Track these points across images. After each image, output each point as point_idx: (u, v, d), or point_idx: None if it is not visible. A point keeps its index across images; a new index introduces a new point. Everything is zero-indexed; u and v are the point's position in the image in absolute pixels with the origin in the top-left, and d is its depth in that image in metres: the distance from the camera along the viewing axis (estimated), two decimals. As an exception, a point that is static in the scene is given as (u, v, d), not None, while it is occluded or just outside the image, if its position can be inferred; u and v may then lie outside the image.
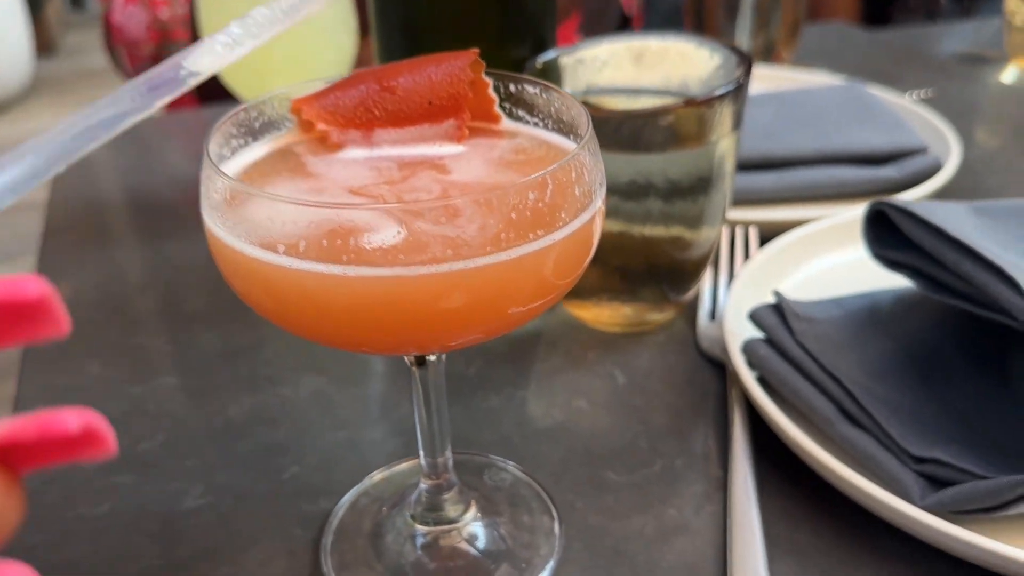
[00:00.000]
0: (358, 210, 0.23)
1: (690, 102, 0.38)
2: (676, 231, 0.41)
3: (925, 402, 0.33)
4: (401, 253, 0.22)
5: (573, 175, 0.25)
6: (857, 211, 0.45)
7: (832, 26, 0.95)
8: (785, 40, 0.72)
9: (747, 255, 0.47)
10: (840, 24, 0.99)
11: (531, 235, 0.23)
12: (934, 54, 0.80)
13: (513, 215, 0.23)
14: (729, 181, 0.42)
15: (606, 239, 0.39)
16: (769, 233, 0.48)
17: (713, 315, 0.44)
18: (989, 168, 0.58)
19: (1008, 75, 0.75)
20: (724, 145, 0.41)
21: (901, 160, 0.53)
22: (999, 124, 0.65)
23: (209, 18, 0.56)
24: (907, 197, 0.49)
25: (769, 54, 0.73)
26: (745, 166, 0.54)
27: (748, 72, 0.41)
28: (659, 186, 0.39)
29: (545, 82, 0.31)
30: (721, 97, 0.39)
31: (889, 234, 0.37)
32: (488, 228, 0.23)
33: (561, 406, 0.39)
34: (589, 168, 0.26)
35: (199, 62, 0.24)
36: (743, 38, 0.70)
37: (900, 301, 0.38)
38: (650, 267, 0.42)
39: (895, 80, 0.71)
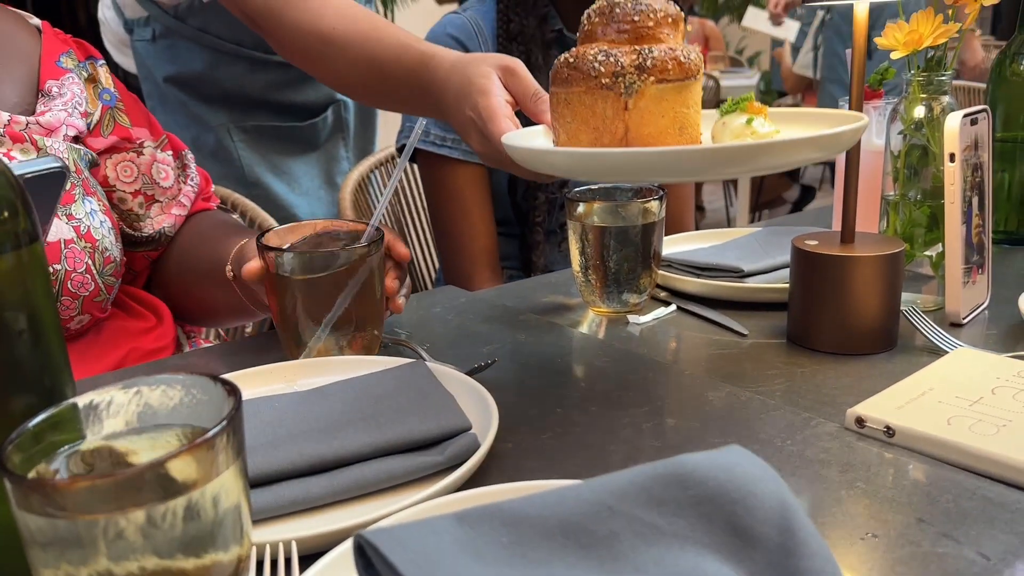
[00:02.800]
0: None
1: (186, 448, 0.39)
2: (180, 564, 0.40)
3: None
4: None
5: None
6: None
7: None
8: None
9: None
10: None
11: None
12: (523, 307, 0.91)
13: None
14: (240, 508, 0.42)
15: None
16: (320, 543, 0.48)
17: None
18: (522, 448, 0.64)
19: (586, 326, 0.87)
20: (224, 479, 0.41)
21: (445, 443, 0.58)
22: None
23: None
24: (450, 479, 0.53)
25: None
26: (299, 473, 0.55)
27: (239, 404, 0.42)
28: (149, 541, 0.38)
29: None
30: (216, 436, 0.40)
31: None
32: None
33: None
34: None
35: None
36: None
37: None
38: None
39: (480, 339, 0.79)
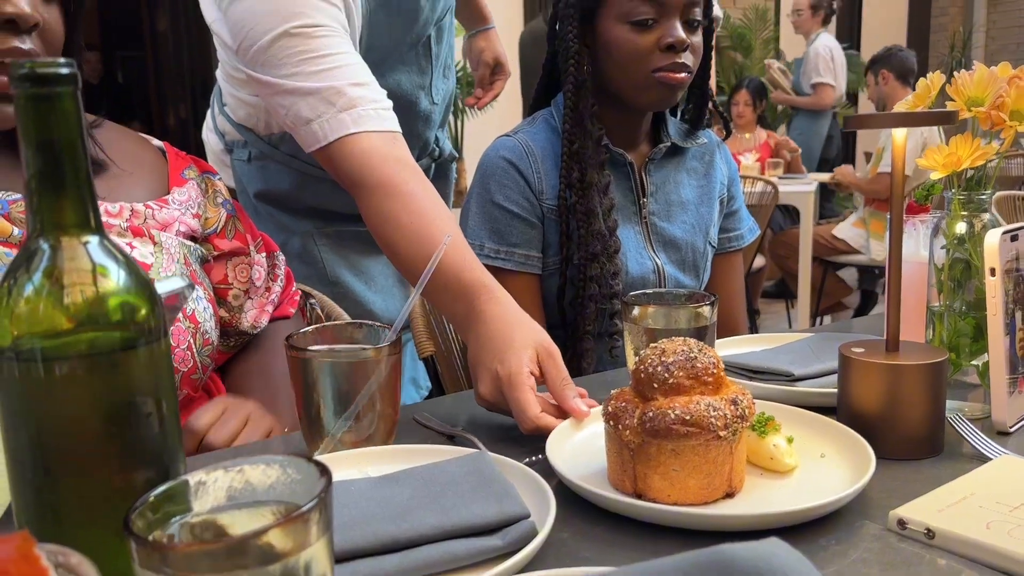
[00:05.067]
0: None
1: (283, 521, 0.45)
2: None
3: None
4: None
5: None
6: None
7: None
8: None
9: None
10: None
11: None
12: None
13: None
14: (326, 574, 0.48)
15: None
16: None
17: None
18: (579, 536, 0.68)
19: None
20: (314, 550, 0.47)
21: (506, 529, 0.62)
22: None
23: None
24: (509, 563, 0.57)
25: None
26: (374, 552, 0.60)
27: (330, 483, 0.48)
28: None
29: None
30: (311, 511, 0.46)
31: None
32: None
33: None
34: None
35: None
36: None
37: None
38: None
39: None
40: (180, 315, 0.92)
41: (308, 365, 0.79)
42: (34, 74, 0.45)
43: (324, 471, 0.49)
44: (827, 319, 4.31)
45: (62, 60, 0.45)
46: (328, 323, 0.90)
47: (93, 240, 0.48)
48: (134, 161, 0.98)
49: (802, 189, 3.89)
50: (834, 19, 7.79)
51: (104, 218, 0.90)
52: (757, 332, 4.09)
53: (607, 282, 1.25)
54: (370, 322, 0.86)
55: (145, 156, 1.01)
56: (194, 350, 0.94)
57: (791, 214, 4.37)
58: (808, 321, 3.94)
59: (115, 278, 0.48)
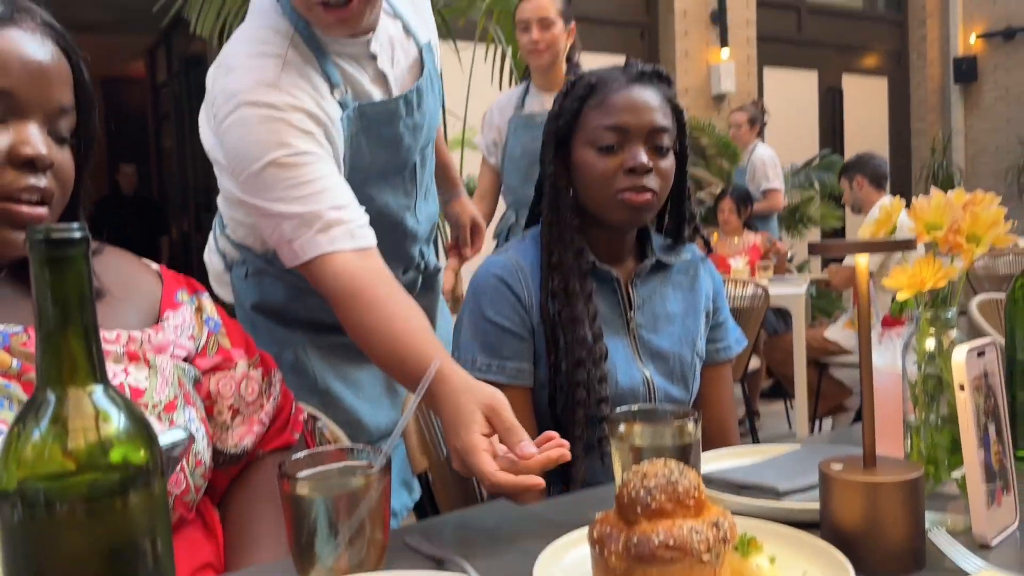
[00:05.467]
0: None
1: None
2: None
3: None
4: None
5: None
6: None
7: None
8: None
9: None
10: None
11: None
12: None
13: None
14: None
15: None
16: None
17: None
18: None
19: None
20: None
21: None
22: None
23: None
24: None
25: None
26: None
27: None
28: None
29: None
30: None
31: None
32: None
33: None
34: None
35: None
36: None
37: None
38: None
39: (530, 554, 0.85)
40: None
41: (298, 493, 0.81)
42: (50, 239, 0.49)
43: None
44: (827, 421, 4.30)
45: (75, 225, 0.50)
46: (319, 448, 0.92)
47: (97, 389, 0.51)
48: (129, 287, 1.02)
49: (793, 292, 3.95)
50: (817, 125, 8.08)
51: (103, 345, 0.94)
52: (757, 433, 4.09)
53: (594, 387, 1.28)
54: (360, 445, 0.89)
55: (142, 281, 1.05)
56: (187, 471, 0.95)
57: (784, 316, 4.42)
58: (807, 424, 3.93)
59: (116, 423, 0.51)
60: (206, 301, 1.11)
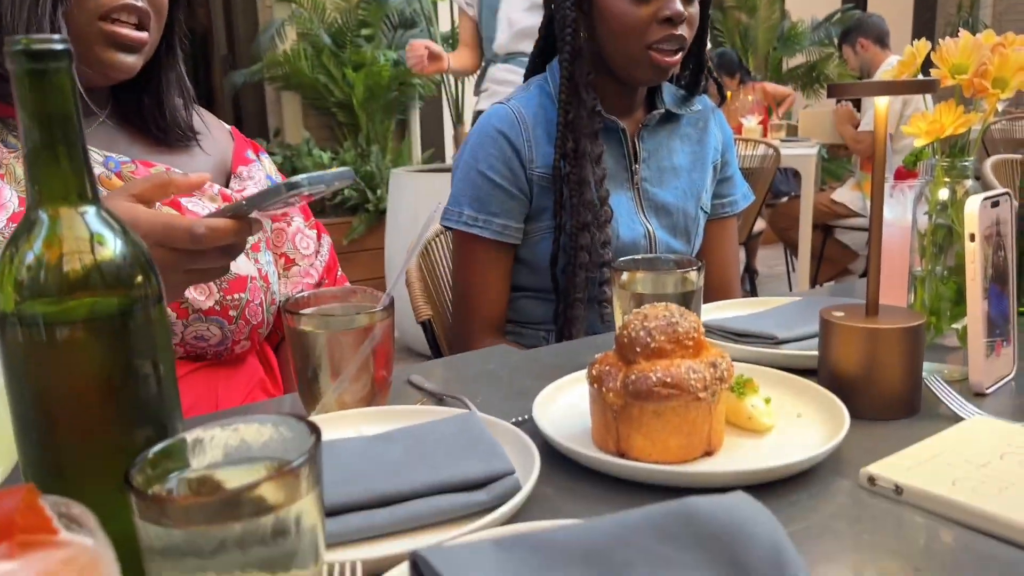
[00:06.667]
0: None
1: (274, 475, 0.47)
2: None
3: None
4: None
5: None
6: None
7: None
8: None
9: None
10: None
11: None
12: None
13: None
14: (316, 529, 0.50)
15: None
16: (381, 566, 0.56)
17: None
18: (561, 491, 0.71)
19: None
20: (305, 503, 0.49)
21: (491, 484, 0.65)
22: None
23: None
24: (493, 516, 0.60)
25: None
26: (366, 506, 0.63)
27: (319, 440, 0.51)
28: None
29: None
30: (300, 466, 0.48)
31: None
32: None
33: None
34: None
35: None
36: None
37: None
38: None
39: (529, 394, 0.87)
40: (257, 274, 1.04)
41: (304, 330, 0.82)
42: (29, 50, 0.46)
43: (314, 429, 0.52)
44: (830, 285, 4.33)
45: (56, 37, 0.47)
46: (324, 288, 0.93)
47: (90, 210, 0.50)
48: (213, 142, 1.12)
49: (804, 152, 3.88)
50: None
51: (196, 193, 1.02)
52: (756, 293, 4.12)
53: (597, 251, 1.27)
54: (364, 288, 0.89)
55: (220, 138, 1.14)
56: (264, 306, 1.05)
57: (792, 179, 4.37)
58: (808, 285, 3.95)
59: (112, 246, 0.50)
60: (266, 161, 1.20)
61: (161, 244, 0.73)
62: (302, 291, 1.17)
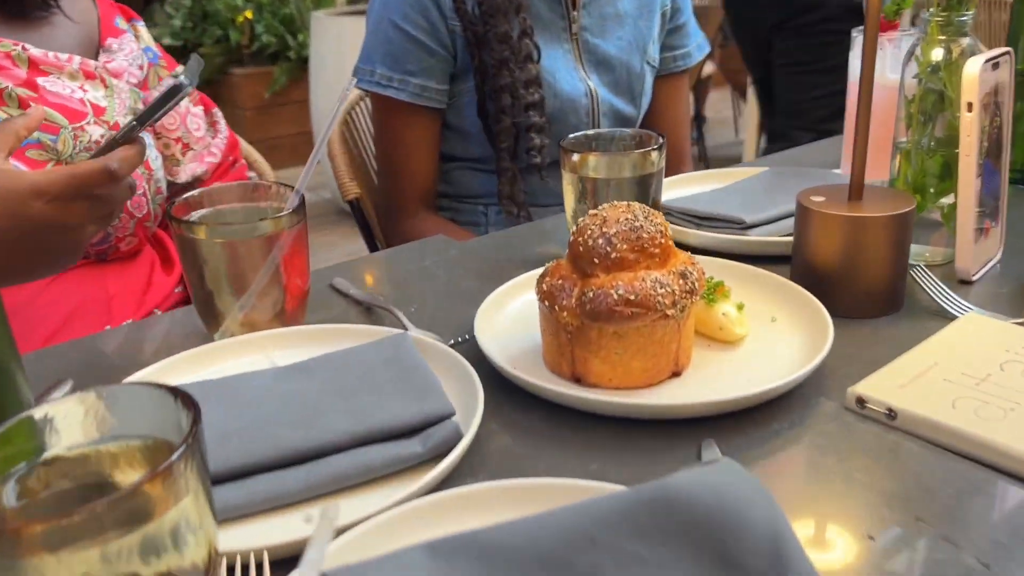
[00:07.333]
0: None
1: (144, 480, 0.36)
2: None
3: None
4: None
5: None
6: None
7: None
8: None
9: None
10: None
11: None
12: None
13: None
14: (201, 534, 0.40)
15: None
16: (292, 551, 0.46)
17: None
18: (509, 430, 0.62)
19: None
20: (184, 507, 0.39)
21: (428, 431, 0.55)
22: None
23: None
24: (430, 476, 0.51)
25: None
26: (275, 466, 0.53)
27: (197, 422, 0.40)
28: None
29: None
30: (176, 463, 0.37)
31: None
32: None
33: None
34: None
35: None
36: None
37: None
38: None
39: (469, 298, 0.76)
40: None
41: (194, 240, 0.68)
42: None
43: (191, 404, 0.40)
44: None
45: None
46: (219, 184, 0.79)
47: None
48: (74, 9, 0.97)
49: None
50: None
51: (56, 63, 0.89)
52: (704, 142, 4.01)
53: (519, 91, 1.12)
54: (267, 182, 0.75)
55: (82, 4, 0.99)
56: (148, 196, 0.95)
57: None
58: (756, 132, 3.84)
59: None
60: (142, 29, 1.06)
61: (76, 197, 0.68)
62: (198, 171, 1.06)
